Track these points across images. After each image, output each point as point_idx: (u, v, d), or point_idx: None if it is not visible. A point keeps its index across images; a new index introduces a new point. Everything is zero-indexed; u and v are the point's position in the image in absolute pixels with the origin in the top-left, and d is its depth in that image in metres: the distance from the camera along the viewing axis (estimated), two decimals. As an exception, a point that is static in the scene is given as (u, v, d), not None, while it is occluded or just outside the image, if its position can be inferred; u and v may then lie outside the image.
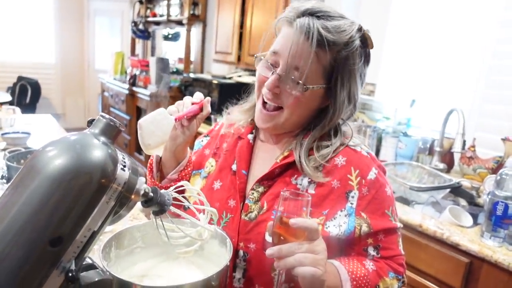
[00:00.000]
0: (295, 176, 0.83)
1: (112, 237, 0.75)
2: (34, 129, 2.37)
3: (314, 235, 0.67)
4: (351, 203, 0.80)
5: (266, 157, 0.89)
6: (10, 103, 4.37)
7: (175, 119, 0.85)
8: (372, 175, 0.82)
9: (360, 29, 0.78)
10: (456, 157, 2.11)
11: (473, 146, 1.99)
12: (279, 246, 0.67)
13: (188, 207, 0.78)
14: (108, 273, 0.60)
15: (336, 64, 0.77)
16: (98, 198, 0.51)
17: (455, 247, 1.42)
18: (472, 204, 1.78)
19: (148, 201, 0.62)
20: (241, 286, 0.83)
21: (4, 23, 5.54)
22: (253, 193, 0.84)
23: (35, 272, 0.47)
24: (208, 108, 0.90)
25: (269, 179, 0.84)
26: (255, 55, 0.84)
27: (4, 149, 1.89)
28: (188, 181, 0.95)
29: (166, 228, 0.71)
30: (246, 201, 0.84)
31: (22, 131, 2.25)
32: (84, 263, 0.57)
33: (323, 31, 0.73)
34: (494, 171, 1.86)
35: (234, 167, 0.89)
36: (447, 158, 2.14)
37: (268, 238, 0.79)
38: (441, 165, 2.10)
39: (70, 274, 0.49)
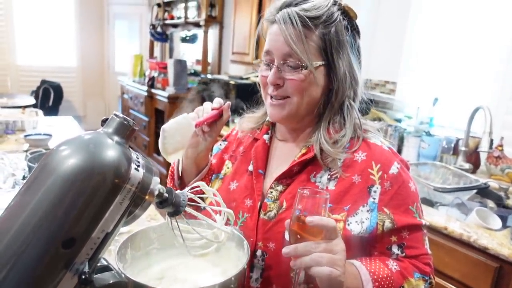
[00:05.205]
0: (314, 173, 0.82)
1: (128, 239, 0.74)
2: (56, 131, 2.41)
3: (332, 234, 0.65)
4: (374, 198, 0.78)
5: (284, 156, 0.88)
6: (34, 106, 4.48)
7: (195, 125, 0.84)
8: (394, 169, 0.80)
9: (335, 3, 0.80)
10: (483, 156, 2.02)
11: (501, 145, 1.90)
12: (295, 245, 0.65)
13: (205, 208, 0.77)
14: (123, 275, 0.59)
15: (326, 39, 0.79)
16: (112, 198, 0.49)
17: (483, 251, 1.35)
18: (500, 206, 1.70)
19: (162, 202, 0.60)
20: (258, 286, 0.81)
21: (28, 30, 5.70)
22: (271, 192, 0.83)
23: (48, 274, 0.45)
24: (228, 113, 0.91)
25: (287, 178, 0.83)
26: (253, 63, 0.86)
27: (26, 150, 1.93)
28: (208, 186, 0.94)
29: (182, 229, 0.70)
30: (265, 200, 0.83)
31: (44, 133, 2.29)
32: (99, 264, 0.56)
33: (301, 12, 0.77)
34: (524, 171, 1.78)
35: (250, 167, 0.88)
36: (473, 158, 2.05)
37: (288, 237, 0.76)
38: (467, 165, 2.01)
39: (84, 276, 0.48)
